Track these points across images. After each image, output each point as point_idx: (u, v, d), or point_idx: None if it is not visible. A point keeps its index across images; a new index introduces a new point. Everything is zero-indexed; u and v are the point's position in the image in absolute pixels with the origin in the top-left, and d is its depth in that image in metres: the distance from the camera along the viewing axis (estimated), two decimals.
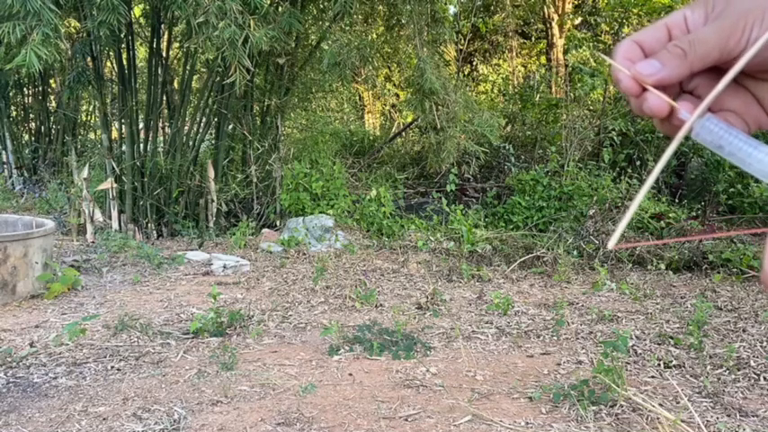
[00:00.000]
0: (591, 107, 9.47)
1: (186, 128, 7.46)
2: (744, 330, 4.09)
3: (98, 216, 7.09)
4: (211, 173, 7.22)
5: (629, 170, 7.96)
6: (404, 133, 10.69)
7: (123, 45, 7.02)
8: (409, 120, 10.75)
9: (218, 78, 7.09)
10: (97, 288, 5.04)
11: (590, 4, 12.57)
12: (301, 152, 8.22)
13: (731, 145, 0.50)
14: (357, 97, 13.49)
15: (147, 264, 5.75)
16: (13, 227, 5.34)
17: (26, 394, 3.12)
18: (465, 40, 12.04)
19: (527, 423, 2.85)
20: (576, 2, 12.53)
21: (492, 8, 12.74)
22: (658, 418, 2.80)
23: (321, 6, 7.78)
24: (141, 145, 7.34)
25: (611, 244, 0.54)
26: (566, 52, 11.69)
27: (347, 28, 8.12)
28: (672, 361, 3.58)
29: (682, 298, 4.95)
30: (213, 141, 7.97)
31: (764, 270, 0.48)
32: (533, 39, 14.05)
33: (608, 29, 12.09)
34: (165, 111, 7.58)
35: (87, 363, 3.50)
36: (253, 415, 2.88)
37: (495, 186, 8.63)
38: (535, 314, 4.53)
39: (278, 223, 7.45)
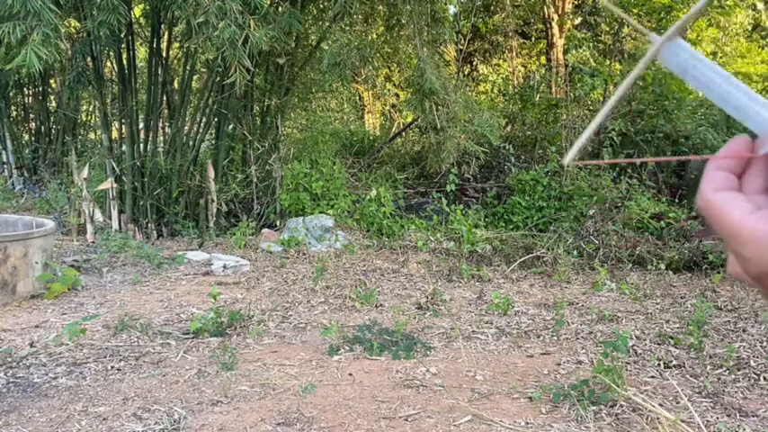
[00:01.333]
0: (591, 107, 9.47)
1: (186, 128, 7.46)
2: (744, 330, 4.09)
3: (98, 216, 7.09)
4: (211, 173, 7.22)
5: (629, 170, 7.95)
6: (404, 133, 10.69)
7: (123, 45, 7.02)
8: (409, 120, 10.75)
9: (218, 78, 7.08)
10: (97, 288, 5.04)
11: (590, 4, 12.56)
12: (301, 152, 8.22)
13: (695, 69, 0.50)
14: (357, 97, 13.48)
15: (147, 264, 5.75)
16: (13, 227, 5.34)
17: (26, 394, 3.12)
18: (465, 40, 12.03)
19: (527, 423, 2.85)
20: (576, 2, 12.52)
21: (492, 8, 12.73)
22: (658, 418, 2.80)
23: (321, 6, 7.78)
24: (141, 145, 7.34)
25: (566, 159, 0.54)
26: (566, 52, 11.69)
27: (347, 28, 8.12)
28: (672, 361, 3.58)
29: (682, 298, 4.95)
30: (213, 141, 7.97)
31: (729, 267, 0.50)
32: (533, 39, 14.05)
33: (608, 29, 12.09)
34: (165, 111, 7.58)
35: (87, 363, 3.50)
36: (253, 415, 2.88)
37: (495, 186, 8.63)
38: (535, 314, 4.53)
39: (278, 223, 7.45)
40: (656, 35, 0.51)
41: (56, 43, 5.24)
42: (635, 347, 3.79)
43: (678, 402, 3.04)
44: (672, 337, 3.94)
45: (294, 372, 3.42)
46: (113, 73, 7.68)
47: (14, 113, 10.72)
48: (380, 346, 3.68)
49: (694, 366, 3.50)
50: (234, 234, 6.80)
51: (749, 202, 0.48)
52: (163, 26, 7.20)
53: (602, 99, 9.27)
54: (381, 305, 4.70)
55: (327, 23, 7.71)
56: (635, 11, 11.06)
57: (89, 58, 6.98)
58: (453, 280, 5.52)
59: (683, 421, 2.76)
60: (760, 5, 11.91)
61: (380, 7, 8.75)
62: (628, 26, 11.41)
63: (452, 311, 4.55)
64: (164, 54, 7.31)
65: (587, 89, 8.81)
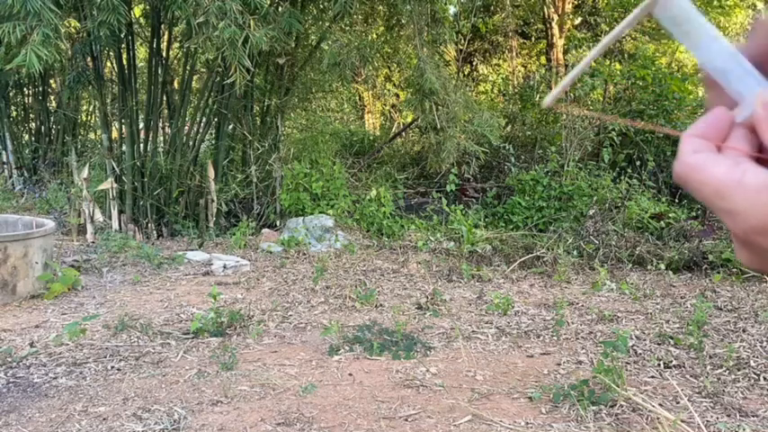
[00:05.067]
0: (591, 107, 9.47)
1: (186, 128, 7.46)
2: (744, 330, 4.09)
3: (98, 216, 7.09)
4: (211, 173, 7.22)
5: (629, 170, 7.96)
6: (404, 133, 10.70)
7: (123, 45, 7.02)
8: (409, 120, 10.76)
9: (218, 78, 7.08)
10: (97, 288, 5.04)
11: (590, 4, 12.57)
12: (301, 152, 8.22)
13: (688, 24, 0.49)
14: (357, 97, 13.49)
15: (147, 264, 5.74)
16: (13, 227, 5.34)
17: (26, 394, 3.12)
18: (465, 40, 12.03)
19: (527, 423, 2.85)
20: (575, 2, 12.52)
21: (492, 8, 12.73)
22: (658, 418, 2.80)
23: (321, 6, 7.78)
24: (141, 145, 7.34)
25: (546, 100, 0.53)
26: (566, 52, 11.69)
27: (347, 28, 8.12)
28: (672, 361, 3.58)
29: (682, 298, 4.95)
30: (213, 141, 7.97)
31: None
32: (533, 39, 14.05)
33: (608, 29, 12.08)
34: (165, 111, 7.58)
35: (87, 363, 3.50)
36: (253, 415, 2.88)
37: (495, 186, 8.63)
38: (535, 314, 4.53)
39: (278, 223, 7.45)
40: None
41: (56, 43, 5.24)
42: (635, 347, 3.79)
43: (678, 402, 3.04)
44: (672, 337, 3.94)
45: (294, 372, 3.42)
46: (113, 73, 7.68)
47: (14, 113, 10.72)
48: (380, 346, 3.68)
49: (694, 366, 3.50)
50: (234, 234, 6.80)
51: (730, 159, 0.46)
52: (163, 26, 7.20)
53: (601, 99, 9.27)
54: (381, 305, 4.70)
55: (327, 23, 7.71)
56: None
57: (89, 58, 6.99)
58: (453, 280, 5.52)
59: (683, 421, 2.76)
60: (760, 5, 11.91)
61: (380, 7, 8.76)
62: None
63: (452, 311, 4.55)
64: (164, 54, 7.31)
65: (587, 89, 8.81)
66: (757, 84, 0.47)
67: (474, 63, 14.19)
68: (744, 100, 0.47)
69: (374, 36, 9.26)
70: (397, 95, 12.97)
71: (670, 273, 5.67)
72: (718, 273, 5.54)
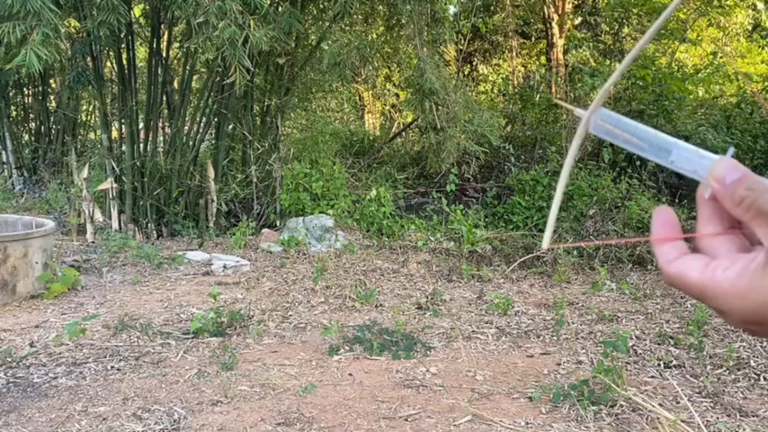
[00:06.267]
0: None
1: (186, 128, 7.46)
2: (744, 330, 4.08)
3: (98, 216, 7.09)
4: (211, 173, 7.22)
5: (629, 170, 7.95)
6: (404, 133, 10.70)
7: (123, 45, 7.02)
8: (409, 120, 10.76)
9: (218, 78, 7.08)
10: (97, 288, 5.04)
11: (590, 4, 12.56)
12: (301, 152, 8.22)
13: (624, 134, 0.54)
14: (357, 97, 13.49)
15: (147, 264, 5.74)
16: (13, 227, 5.34)
17: (26, 394, 3.12)
18: (465, 40, 12.03)
19: (527, 423, 2.85)
20: (576, 2, 12.52)
21: (492, 8, 12.73)
22: (658, 418, 2.80)
23: (321, 6, 7.78)
24: (141, 145, 7.34)
25: (544, 244, 0.58)
26: (566, 52, 11.68)
27: (347, 28, 8.12)
28: (672, 361, 3.58)
29: (682, 298, 4.95)
30: (213, 141, 7.97)
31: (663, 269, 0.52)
32: (533, 39, 14.04)
33: (608, 29, 12.08)
34: (165, 111, 7.58)
35: (87, 363, 3.50)
36: (253, 415, 2.88)
37: (495, 186, 8.63)
38: (535, 314, 4.53)
39: (278, 223, 7.45)
40: (582, 110, 0.55)
41: (56, 43, 5.24)
42: (635, 347, 3.79)
43: (678, 402, 3.04)
44: (672, 337, 3.94)
45: (294, 372, 3.42)
46: (113, 73, 7.68)
47: (14, 113, 10.72)
48: (380, 346, 3.68)
49: (694, 366, 3.50)
50: (234, 234, 6.80)
51: (700, 259, 0.50)
52: (163, 26, 7.20)
53: None
54: (381, 305, 4.70)
55: (327, 23, 7.71)
56: (635, 11, 11.06)
57: (89, 58, 6.98)
58: (453, 280, 5.52)
59: (683, 421, 2.76)
60: (760, 5, 11.90)
61: (380, 7, 8.75)
62: (628, 26, 11.41)
63: (452, 311, 4.55)
64: (164, 54, 7.31)
65: (587, 89, 8.80)
66: (708, 161, 0.50)
67: (474, 63, 14.19)
68: (702, 179, 0.51)
69: (374, 36, 9.26)
70: (397, 95, 12.97)
71: None
72: None
